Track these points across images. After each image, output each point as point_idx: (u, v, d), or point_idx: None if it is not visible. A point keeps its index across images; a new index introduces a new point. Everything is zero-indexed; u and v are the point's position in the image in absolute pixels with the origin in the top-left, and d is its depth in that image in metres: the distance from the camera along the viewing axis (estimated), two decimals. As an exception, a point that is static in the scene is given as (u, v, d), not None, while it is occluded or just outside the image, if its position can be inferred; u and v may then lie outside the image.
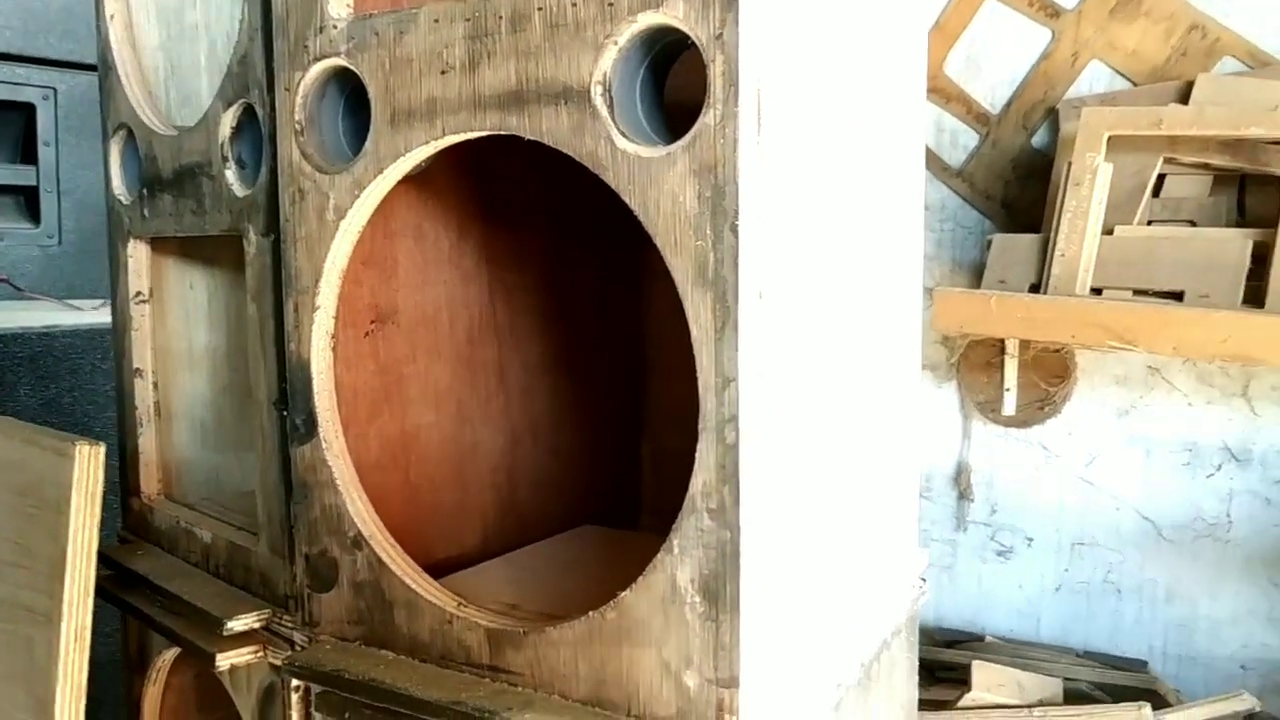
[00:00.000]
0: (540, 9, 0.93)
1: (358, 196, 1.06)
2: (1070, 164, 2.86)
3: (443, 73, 0.99)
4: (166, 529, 1.41)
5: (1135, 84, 3.50)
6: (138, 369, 1.46)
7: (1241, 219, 2.91)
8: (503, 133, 0.96)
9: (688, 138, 0.86)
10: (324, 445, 1.11)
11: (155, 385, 1.48)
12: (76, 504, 1.23)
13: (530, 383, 1.38)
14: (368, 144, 1.04)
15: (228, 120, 1.23)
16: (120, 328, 1.47)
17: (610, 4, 0.89)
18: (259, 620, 1.20)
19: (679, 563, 0.90)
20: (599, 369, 1.47)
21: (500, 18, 0.95)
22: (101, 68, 1.45)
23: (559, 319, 1.42)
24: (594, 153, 0.91)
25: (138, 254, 1.45)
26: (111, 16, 1.43)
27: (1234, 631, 2.85)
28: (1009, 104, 3.30)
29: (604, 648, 0.95)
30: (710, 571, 0.89)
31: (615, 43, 0.89)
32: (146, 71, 1.45)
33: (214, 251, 1.53)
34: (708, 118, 0.85)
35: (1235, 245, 2.75)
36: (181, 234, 1.33)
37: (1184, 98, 3.31)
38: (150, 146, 1.36)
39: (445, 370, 1.28)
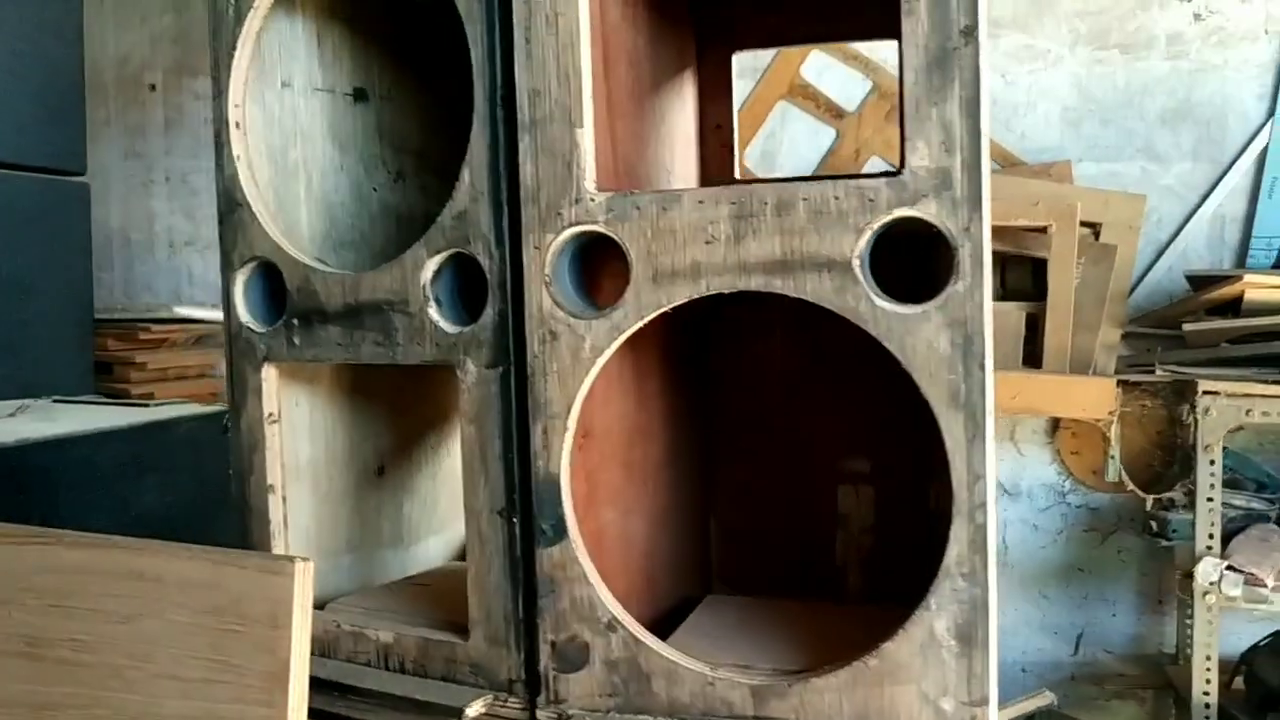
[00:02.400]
0: (805, 199, 1.21)
1: (615, 338, 1.28)
2: None
3: (707, 242, 1.24)
4: (318, 635, 1.52)
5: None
6: (271, 485, 1.56)
7: (1004, 293, 3.47)
8: (768, 291, 1.23)
9: (941, 299, 1.18)
10: (574, 546, 1.31)
11: (285, 500, 1.58)
12: (298, 617, 1.35)
13: (658, 474, 1.63)
14: (628, 295, 1.27)
15: (432, 265, 1.40)
16: (250, 447, 1.56)
17: (871, 199, 1.19)
18: (487, 705, 1.37)
19: (936, 616, 1.20)
20: (684, 456, 1.73)
21: (765, 203, 1.22)
22: (224, 203, 1.55)
23: (670, 417, 1.67)
24: (855, 309, 1.20)
25: (270, 378, 1.56)
26: (238, 157, 1.54)
27: (1015, 640, 3.45)
28: None
29: (867, 689, 1.23)
30: (965, 620, 1.19)
31: (873, 229, 1.19)
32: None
33: (315, 373, 1.66)
34: (958, 286, 1.17)
35: (1013, 316, 3.35)
36: (354, 362, 1.47)
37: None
38: (306, 280, 1.49)
39: (619, 473, 1.51)
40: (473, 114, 1.36)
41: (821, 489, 1.79)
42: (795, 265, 1.21)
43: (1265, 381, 2.80)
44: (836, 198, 1.20)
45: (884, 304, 1.19)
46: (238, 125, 1.55)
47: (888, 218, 1.19)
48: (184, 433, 2.74)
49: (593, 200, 1.28)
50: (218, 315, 4.02)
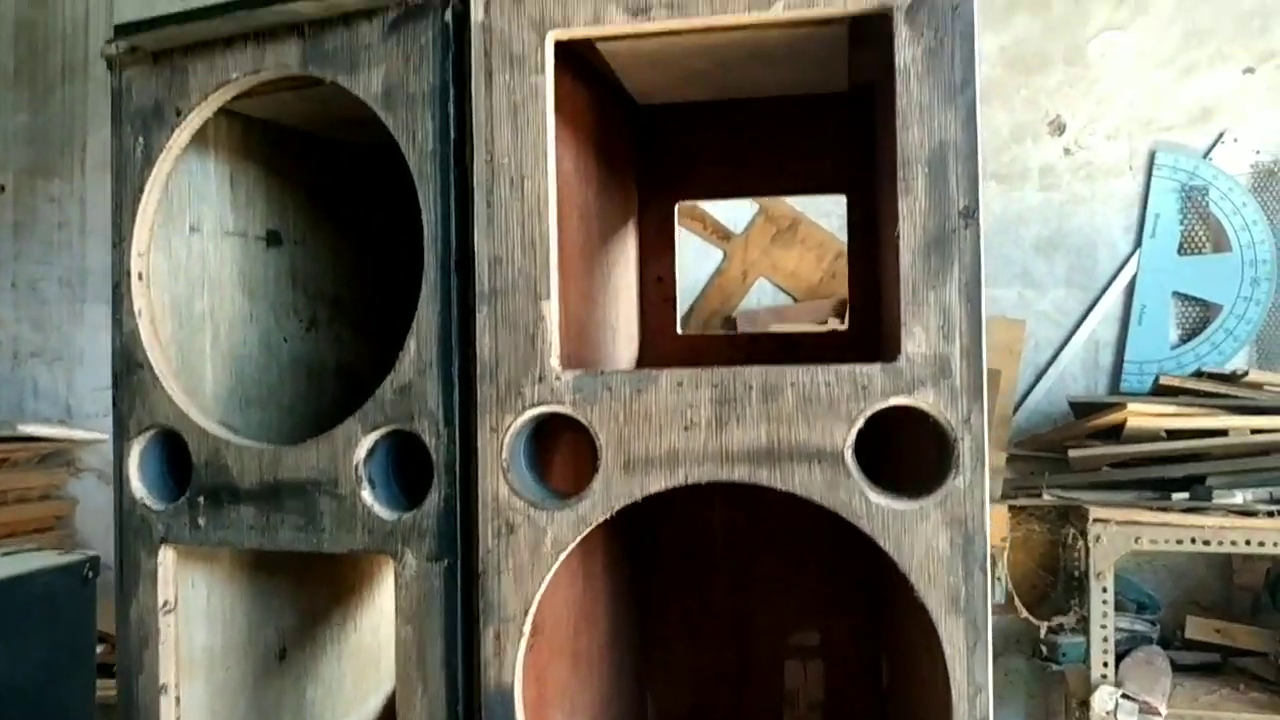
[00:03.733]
0: (793, 384, 1.12)
1: (581, 531, 1.15)
2: None
3: (686, 428, 1.13)
4: None
5: (796, 299, 4.16)
6: (163, 684, 1.36)
7: None
8: (752, 483, 1.12)
9: (939, 495, 1.09)
10: (530, 767, 1.16)
11: (178, 700, 1.38)
12: None
13: (601, 660, 1.48)
14: (596, 485, 1.15)
15: (367, 442, 1.25)
16: (139, 642, 1.36)
17: (864, 386, 1.10)
18: None
19: (941, 845, 1.09)
20: (624, 636, 1.59)
21: (750, 386, 1.12)
22: (122, 364, 1.37)
23: (613, 596, 1.53)
24: (848, 504, 1.11)
25: (167, 562, 1.37)
26: (139, 311, 1.37)
27: None
28: (689, 313, 3.78)
29: None
30: None
31: (866, 416, 1.11)
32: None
33: (215, 551, 1.47)
34: (957, 481, 1.09)
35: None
36: (270, 549, 1.30)
37: (839, 312, 4.01)
38: (216, 454, 1.32)
39: (566, 666, 1.36)
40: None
41: (768, 663, 1.68)
42: (782, 455, 1.12)
43: (1151, 508, 2.85)
44: (827, 384, 1.11)
45: (879, 499, 1.10)
46: (140, 276, 1.38)
47: (882, 405, 1.10)
48: (38, 589, 2.45)
49: (558, 379, 1.16)
50: (66, 433, 3.73)
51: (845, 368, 1.10)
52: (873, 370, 1.10)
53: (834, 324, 3.94)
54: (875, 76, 1.45)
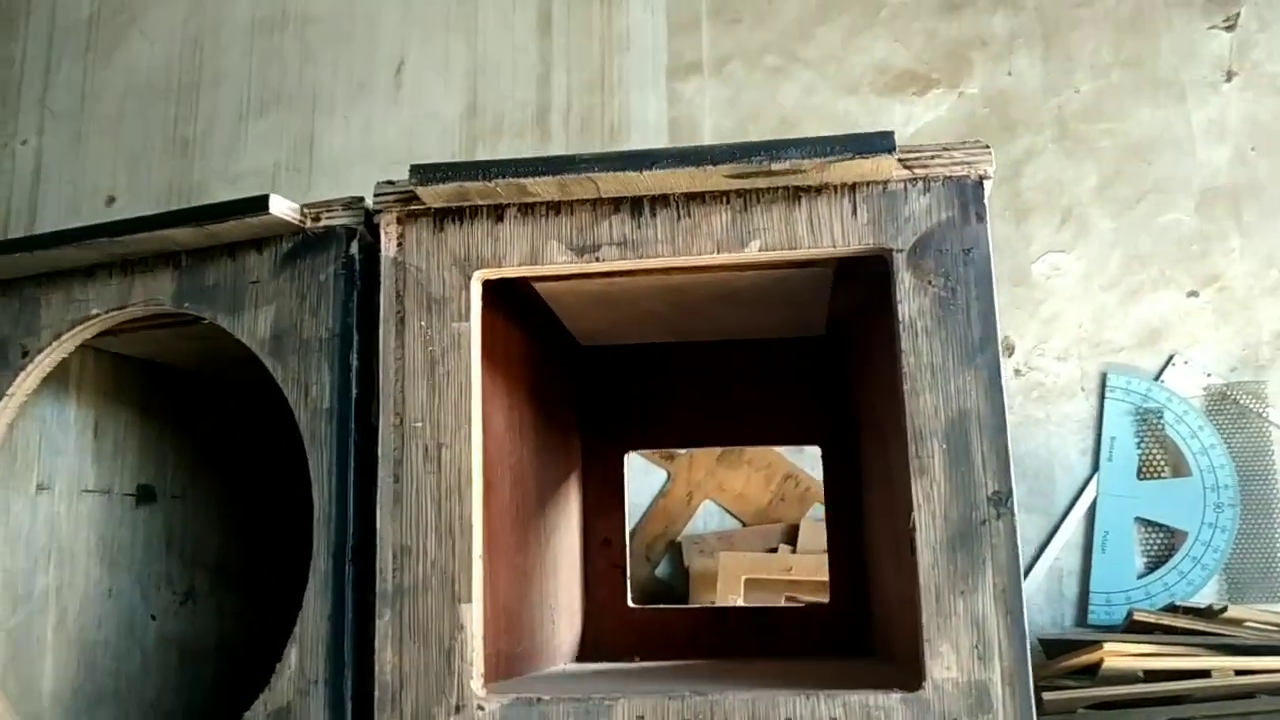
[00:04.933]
0: (789, 719, 0.87)
1: None
2: (713, 604, 3.13)
3: (647, 775, 0.87)
4: None
5: (744, 523, 3.92)
6: None
7: None
8: None
9: None
10: None
11: None
12: None
13: None
14: None
15: (229, 784, 0.96)
16: None
17: (876, 720, 0.86)
18: None
19: None
20: None
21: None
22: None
23: None
24: None
25: None
26: (-47, 600, 1.09)
27: None
28: (633, 535, 3.53)
29: None
30: None
31: (880, 759, 0.85)
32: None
33: None
34: None
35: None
36: None
37: (790, 538, 3.78)
38: (32, 794, 1.01)
39: None
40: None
41: None
42: (773, 812, 0.85)
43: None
44: (833, 718, 0.86)
45: None
46: (-40, 554, 1.10)
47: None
48: None
49: (481, 708, 0.90)
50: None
51: (855, 697, 0.86)
52: (890, 702, 0.85)
53: (784, 551, 3.70)
54: (859, 318, 1.26)
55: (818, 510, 3.84)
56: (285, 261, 1.01)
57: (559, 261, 0.93)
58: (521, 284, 1.11)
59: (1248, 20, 3.68)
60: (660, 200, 0.93)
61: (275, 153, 4.13)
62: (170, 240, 1.03)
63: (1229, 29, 3.73)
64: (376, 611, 0.93)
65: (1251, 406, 3.45)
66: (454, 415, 0.93)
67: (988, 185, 0.91)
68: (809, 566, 3.52)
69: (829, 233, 0.91)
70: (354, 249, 1.00)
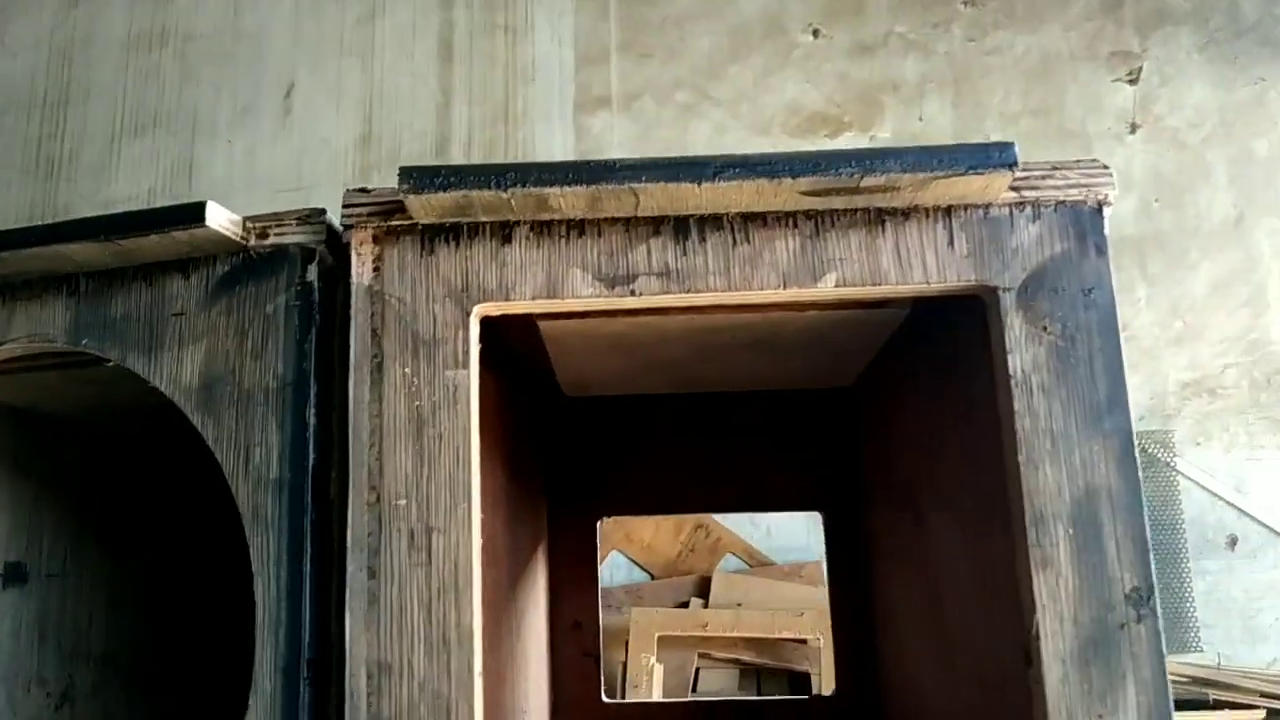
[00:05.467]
0: None
1: None
2: (625, 664, 2.96)
3: None
4: None
5: (653, 575, 3.75)
6: None
7: (762, 712, 3.16)
8: None
9: None
10: None
11: None
12: None
13: None
14: None
15: None
16: None
17: None
18: None
19: None
20: None
21: None
22: None
23: None
24: None
25: None
26: None
27: None
28: None
29: None
30: None
31: None
32: None
33: None
34: None
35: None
36: None
37: (701, 591, 3.61)
38: None
39: None
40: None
41: None
42: None
43: None
44: None
45: None
46: None
47: None
48: None
49: None
50: None
51: None
52: None
53: (696, 605, 3.53)
54: (888, 367, 1.09)
55: (730, 561, 3.69)
56: (221, 288, 0.79)
57: (583, 295, 0.74)
58: (507, 320, 0.91)
59: (1150, 75, 3.72)
60: (711, 222, 0.74)
61: (150, 177, 3.80)
62: (65, 258, 0.80)
63: (1132, 83, 3.76)
64: (342, 748, 0.70)
65: (1159, 455, 3.42)
66: (448, 490, 0.72)
67: (1107, 213, 0.75)
68: (724, 622, 3.36)
69: (920, 265, 0.74)
70: (311, 274, 0.78)
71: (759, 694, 3.24)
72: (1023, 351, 0.73)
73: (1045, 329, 0.73)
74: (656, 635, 3.35)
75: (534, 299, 0.74)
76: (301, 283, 0.78)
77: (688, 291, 0.73)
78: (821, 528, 1.21)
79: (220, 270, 0.79)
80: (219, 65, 4.01)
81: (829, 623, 3.35)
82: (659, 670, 3.22)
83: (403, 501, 0.72)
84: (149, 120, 4.02)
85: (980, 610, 0.86)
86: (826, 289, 0.73)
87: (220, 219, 0.75)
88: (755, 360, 1.00)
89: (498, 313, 0.75)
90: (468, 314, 0.74)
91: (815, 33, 4.09)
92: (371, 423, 0.73)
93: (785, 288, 0.73)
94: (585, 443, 1.29)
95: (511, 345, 0.97)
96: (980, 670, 0.86)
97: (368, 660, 0.70)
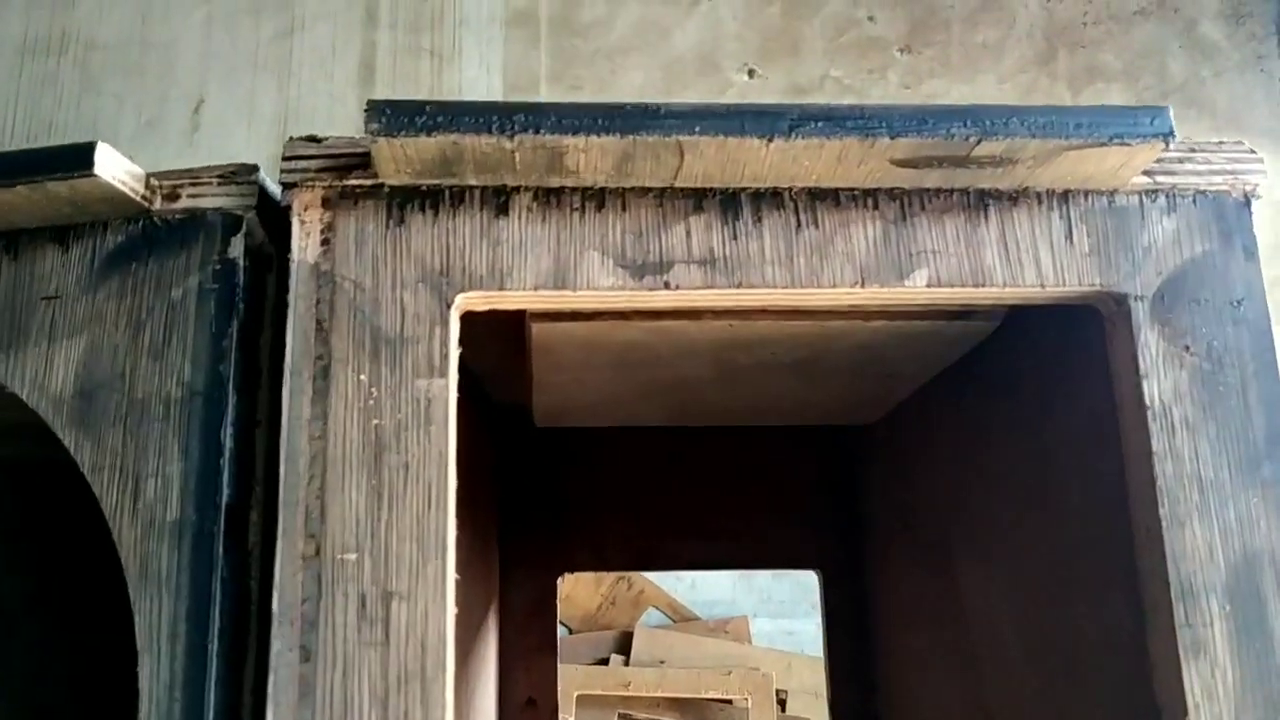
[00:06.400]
0: None
1: None
2: None
3: None
4: None
5: (571, 630, 3.56)
6: None
7: None
8: None
9: None
10: None
11: None
12: None
13: None
14: None
15: None
16: None
17: None
18: None
19: None
20: None
21: None
22: None
23: None
24: None
25: None
26: None
27: None
28: None
29: None
30: None
31: None
32: None
33: None
34: None
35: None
36: None
37: (623, 647, 3.43)
38: None
39: None
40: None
41: None
42: None
43: None
44: None
45: None
46: None
47: None
48: None
49: None
50: None
51: None
52: None
53: (617, 662, 3.34)
54: (937, 404, 0.93)
55: (652, 615, 3.51)
56: (111, 265, 0.59)
57: (601, 286, 0.56)
58: (484, 318, 0.72)
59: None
60: (770, 198, 0.57)
61: (44, 191, 3.55)
62: (-103, 219, 0.59)
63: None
64: None
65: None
66: (414, 541, 0.53)
67: (1255, 207, 0.60)
68: (647, 681, 3.17)
69: (1032, 264, 0.58)
70: (235, 249, 0.59)
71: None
72: (1161, 377, 0.57)
73: (1188, 349, 0.57)
74: (575, 694, 3.14)
75: (536, 289, 0.56)
76: (221, 259, 0.58)
77: (738, 286, 0.56)
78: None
79: (112, 241, 0.59)
80: (124, 76, 3.76)
81: (759, 681, 3.18)
82: (567, 726, 3.02)
83: (352, 556, 0.53)
84: (43, 130, 3.75)
85: (1037, 689, 0.70)
86: (916, 289, 0.57)
87: (115, 169, 0.56)
88: (787, 386, 0.82)
89: (486, 306, 0.57)
90: (448, 305, 0.55)
91: (750, 72, 4.01)
92: (312, 447, 0.54)
93: (863, 286, 0.57)
94: (551, 483, 1.10)
95: (480, 354, 0.78)
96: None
97: (298, 780, 0.50)
